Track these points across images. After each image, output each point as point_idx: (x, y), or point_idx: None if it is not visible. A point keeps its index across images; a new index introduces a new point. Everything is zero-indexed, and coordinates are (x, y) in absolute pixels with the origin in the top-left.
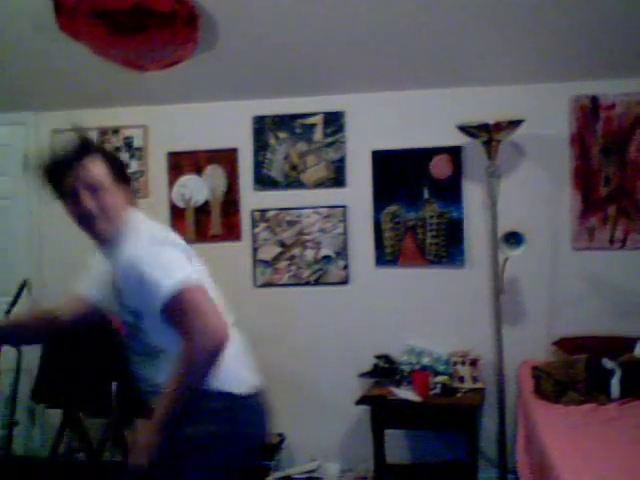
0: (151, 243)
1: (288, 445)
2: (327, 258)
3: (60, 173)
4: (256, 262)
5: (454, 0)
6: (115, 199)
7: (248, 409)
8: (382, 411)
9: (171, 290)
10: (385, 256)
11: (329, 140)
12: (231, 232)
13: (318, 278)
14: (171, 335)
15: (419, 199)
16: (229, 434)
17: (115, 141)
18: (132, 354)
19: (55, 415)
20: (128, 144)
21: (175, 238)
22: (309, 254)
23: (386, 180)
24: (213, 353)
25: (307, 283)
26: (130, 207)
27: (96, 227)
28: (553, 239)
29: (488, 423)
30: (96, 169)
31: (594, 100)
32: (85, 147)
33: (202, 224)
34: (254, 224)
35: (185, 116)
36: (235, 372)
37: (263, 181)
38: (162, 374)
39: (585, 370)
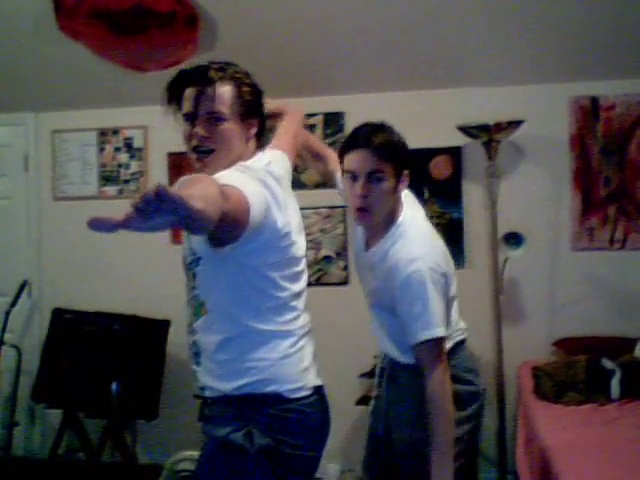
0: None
1: None
2: (327, 258)
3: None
4: None
5: (454, 0)
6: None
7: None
8: None
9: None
10: None
11: (329, 140)
12: None
13: (318, 278)
14: (214, 291)
15: (419, 199)
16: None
17: (115, 141)
18: (187, 305)
19: (55, 415)
20: (128, 144)
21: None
22: (309, 254)
23: None
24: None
25: (307, 283)
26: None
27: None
28: (553, 239)
29: (488, 423)
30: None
31: (594, 101)
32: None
33: None
34: None
35: None
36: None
37: None
38: (201, 332)
39: (585, 370)
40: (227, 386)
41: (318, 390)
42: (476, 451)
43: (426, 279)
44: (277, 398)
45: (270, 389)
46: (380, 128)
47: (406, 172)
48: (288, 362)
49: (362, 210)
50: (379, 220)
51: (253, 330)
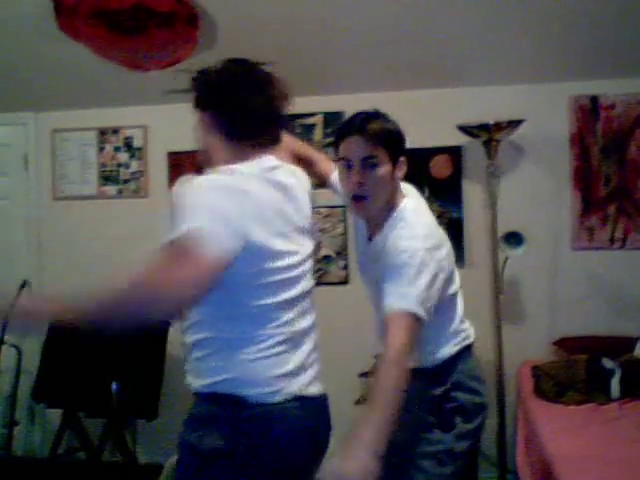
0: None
1: None
2: (327, 258)
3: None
4: None
5: (453, 0)
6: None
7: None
8: None
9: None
10: None
11: (329, 140)
12: None
13: (318, 278)
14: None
15: None
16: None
17: (115, 141)
18: None
19: (55, 415)
20: (128, 144)
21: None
22: None
23: None
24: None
25: None
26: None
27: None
28: (553, 239)
29: (488, 423)
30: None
31: (594, 100)
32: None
33: None
34: None
35: (185, 116)
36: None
37: None
38: (184, 332)
39: (585, 370)
40: (198, 383)
41: (305, 400)
42: (476, 455)
43: (418, 257)
44: (240, 400)
45: (236, 391)
46: (374, 115)
47: (402, 159)
48: (260, 365)
49: (358, 198)
50: (376, 208)
51: (226, 335)
